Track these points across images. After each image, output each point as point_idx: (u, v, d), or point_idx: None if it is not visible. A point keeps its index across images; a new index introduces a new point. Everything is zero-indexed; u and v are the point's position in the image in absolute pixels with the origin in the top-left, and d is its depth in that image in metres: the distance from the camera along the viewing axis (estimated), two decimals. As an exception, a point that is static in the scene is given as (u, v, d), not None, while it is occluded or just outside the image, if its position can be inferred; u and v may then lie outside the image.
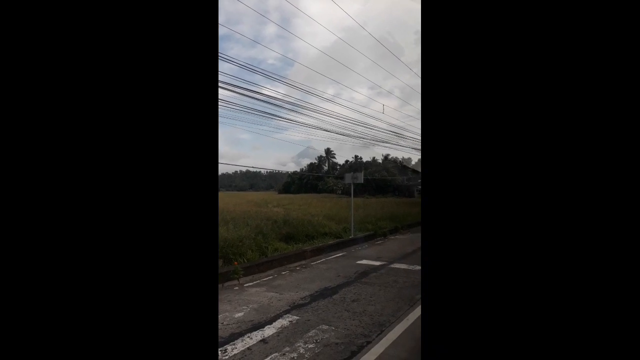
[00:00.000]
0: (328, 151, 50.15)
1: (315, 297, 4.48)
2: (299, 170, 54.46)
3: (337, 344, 3.06)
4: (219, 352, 2.94)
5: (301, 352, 2.92)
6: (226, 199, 21.83)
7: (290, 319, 3.68)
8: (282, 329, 3.42)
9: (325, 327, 3.45)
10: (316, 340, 3.13)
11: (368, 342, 3.09)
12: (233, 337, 3.24)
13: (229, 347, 3.03)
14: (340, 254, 7.63)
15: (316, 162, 51.31)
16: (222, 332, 3.38)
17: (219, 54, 6.22)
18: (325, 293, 4.65)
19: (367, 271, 5.93)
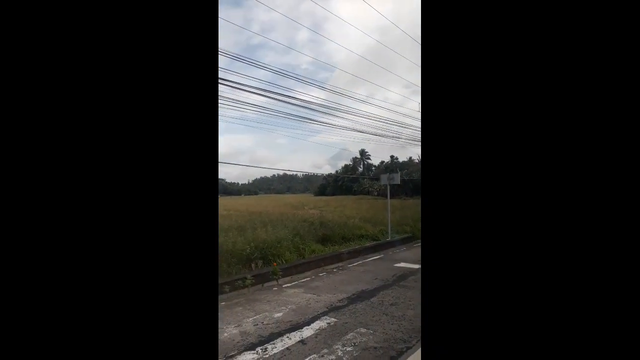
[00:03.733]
0: (363, 152, 49.66)
1: (353, 299, 4.46)
2: (334, 172, 54.57)
3: (375, 348, 3.02)
4: (260, 350, 3.03)
5: (339, 354, 2.92)
6: (264, 202, 22.46)
7: (328, 321, 3.70)
8: (320, 331, 3.45)
9: (363, 330, 3.42)
10: (354, 343, 3.12)
11: (408, 348, 3.01)
12: (273, 337, 3.33)
13: (269, 347, 3.12)
14: (377, 257, 7.53)
15: (351, 163, 51.03)
16: (262, 331, 3.48)
17: (256, 62, 6.44)
18: (362, 296, 4.61)
19: (406, 274, 5.79)
